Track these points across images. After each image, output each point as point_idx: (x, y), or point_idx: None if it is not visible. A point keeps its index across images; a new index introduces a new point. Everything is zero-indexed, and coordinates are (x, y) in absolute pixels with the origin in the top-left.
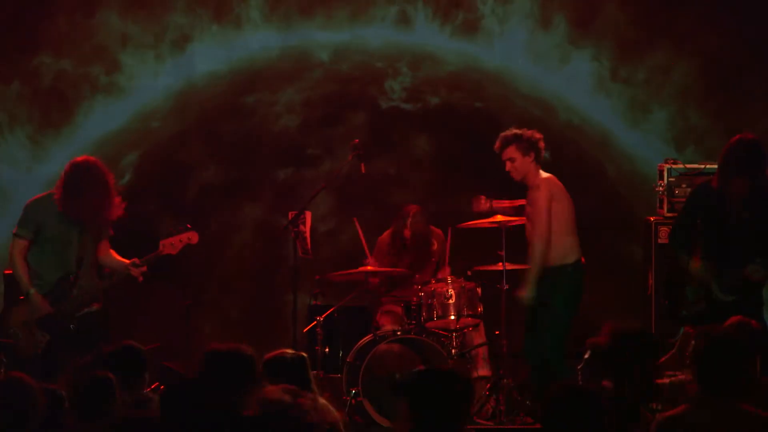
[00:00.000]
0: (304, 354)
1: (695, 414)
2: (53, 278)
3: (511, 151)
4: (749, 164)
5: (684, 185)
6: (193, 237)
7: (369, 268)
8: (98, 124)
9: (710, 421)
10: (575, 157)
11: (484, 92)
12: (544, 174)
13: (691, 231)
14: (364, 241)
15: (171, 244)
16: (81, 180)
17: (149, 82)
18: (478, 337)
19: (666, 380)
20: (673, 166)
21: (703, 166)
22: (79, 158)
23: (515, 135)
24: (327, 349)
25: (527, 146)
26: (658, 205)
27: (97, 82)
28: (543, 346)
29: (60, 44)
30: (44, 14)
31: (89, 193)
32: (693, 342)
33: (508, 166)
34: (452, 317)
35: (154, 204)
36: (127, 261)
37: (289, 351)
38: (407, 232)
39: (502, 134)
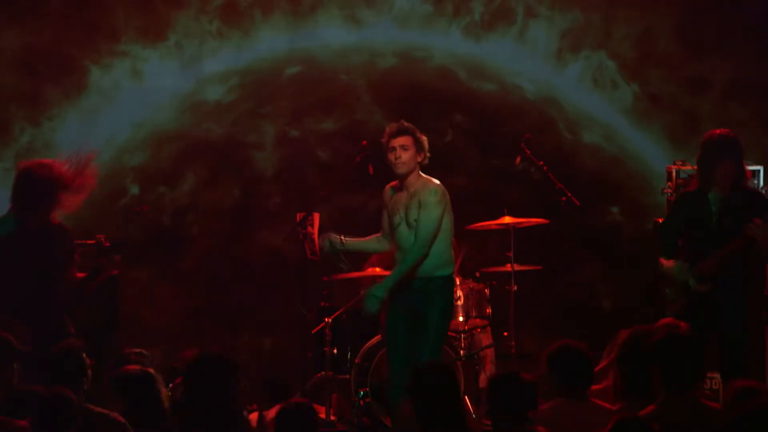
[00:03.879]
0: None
1: (662, 413)
2: (17, 301)
3: (406, 140)
4: (729, 149)
5: None
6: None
7: (377, 270)
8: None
9: (677, 420)
10: (583, 158)
11: (492, 92)
12: (435, 180)
13: (675, 236)
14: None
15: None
16: (22, 185)
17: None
18: (486, 339)
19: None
20: (682, 168)
21: None
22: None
23: (412, 127)
24: (335, 350)
25: (421, 144)
26: (666, 206)
27: None
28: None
29: None
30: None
31: (30, 198)
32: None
33: (399, 152)
34: (460, 318)
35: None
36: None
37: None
38: None
39: (401, 123)
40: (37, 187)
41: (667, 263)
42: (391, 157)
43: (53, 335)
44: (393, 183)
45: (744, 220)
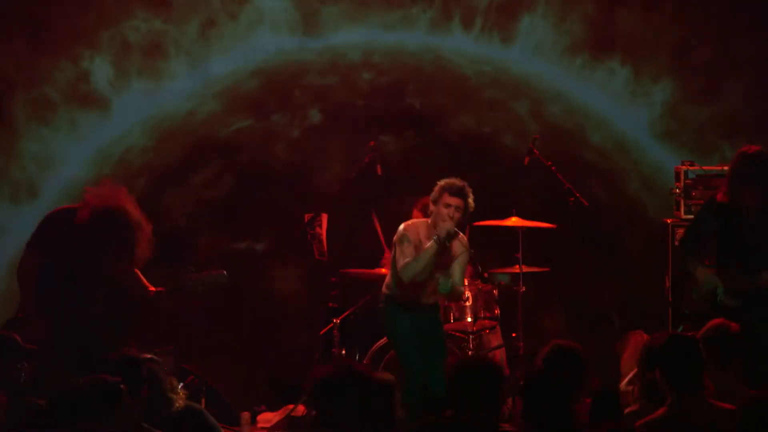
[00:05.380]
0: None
1: (672, 414)
2: (57, 294)
3: (461, 203)
4: (758, 176)
5: (701, 187)
6: (221, 279)
7: (384, 270)
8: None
9: (687, 420)
10: (592, 159)
11: (502, 94)
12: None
13: (701, 240)
14: (381, 236)
15: (196, 284)
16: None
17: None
18: (495, 339)
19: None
20: (690, 168)
21: (720, 168)
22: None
23: (469, 190)
24: (344, 351)
25: (468, 209)
26: (674, 207)
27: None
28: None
29: None
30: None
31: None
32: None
33: (453, 212)
34: (469, 319)
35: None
36: (152, 288)
37: None
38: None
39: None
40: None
41: (699, 271)
42: (445, 212)
43: (81, 331)
44: (417, 222)
45: None
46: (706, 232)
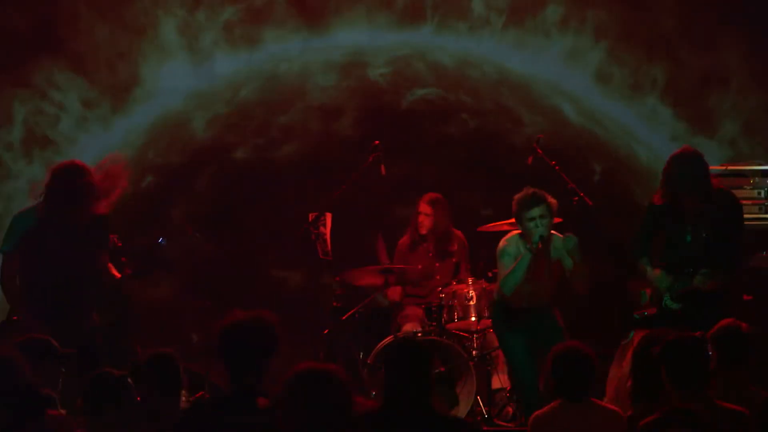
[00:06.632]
0: None
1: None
2: (46, 295)
3: (543, 210)
4: (696, 182)
5: None
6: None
7: (388, 265)
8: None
9: (691, 419)
10: (595, 157)
11: (506, 95)
12: None
13: (651, 239)
14: (384, 254)
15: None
16: (58, 185)
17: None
18: None
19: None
20: None
21: (723, 168)
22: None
23: (545, 194)
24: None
25: (553, 209)
26: None
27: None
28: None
29: None
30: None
31: (67, 197)
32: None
33: (539, 221)
34: (473, 318)
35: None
36: (117, 274)
37: None
38: (420, 218)
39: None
40: (67, 191)
41: (653, 272)
42: (532, 225)
43: (77, 333)
44: (514, 236)
45: (716, 229)
46: (652, 233)
